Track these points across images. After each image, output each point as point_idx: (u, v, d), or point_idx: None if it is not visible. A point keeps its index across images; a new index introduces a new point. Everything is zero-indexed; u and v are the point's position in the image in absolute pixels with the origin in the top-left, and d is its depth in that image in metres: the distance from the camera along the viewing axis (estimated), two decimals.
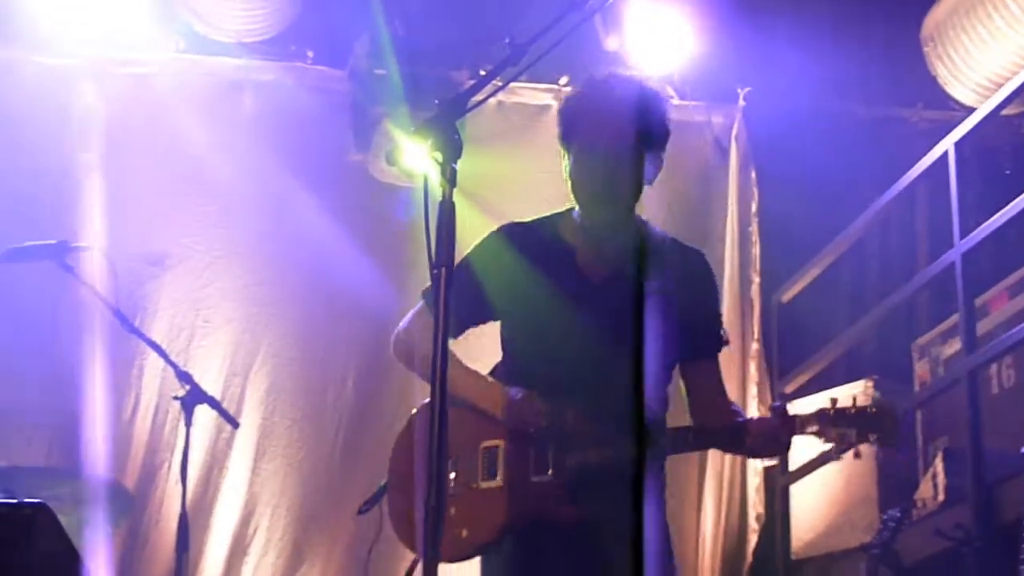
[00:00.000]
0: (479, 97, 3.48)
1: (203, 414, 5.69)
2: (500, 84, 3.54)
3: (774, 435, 3.91)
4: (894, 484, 6.60)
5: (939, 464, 6.15)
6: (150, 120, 7.35)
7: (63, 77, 7.27)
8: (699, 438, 4.13)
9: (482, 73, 7.08)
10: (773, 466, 7.26)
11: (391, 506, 4.12)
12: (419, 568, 3.82)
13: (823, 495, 6.97)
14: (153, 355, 6.14)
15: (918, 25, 7.50)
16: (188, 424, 5.41)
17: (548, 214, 4.22)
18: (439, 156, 3.25)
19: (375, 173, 7.23)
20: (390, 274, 7.25)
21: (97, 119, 7.22)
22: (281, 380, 7.28)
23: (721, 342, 4.22)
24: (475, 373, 4.07)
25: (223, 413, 5.69)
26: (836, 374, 7.07)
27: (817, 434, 3.88)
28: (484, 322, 4.15)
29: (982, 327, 6.21)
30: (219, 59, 7.50)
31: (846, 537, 6.67)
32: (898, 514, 5.71)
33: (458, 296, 3.46)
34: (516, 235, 4.17)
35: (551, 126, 7.56)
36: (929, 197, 6.71)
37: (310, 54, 7.55)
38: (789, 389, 7.20)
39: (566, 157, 4.10)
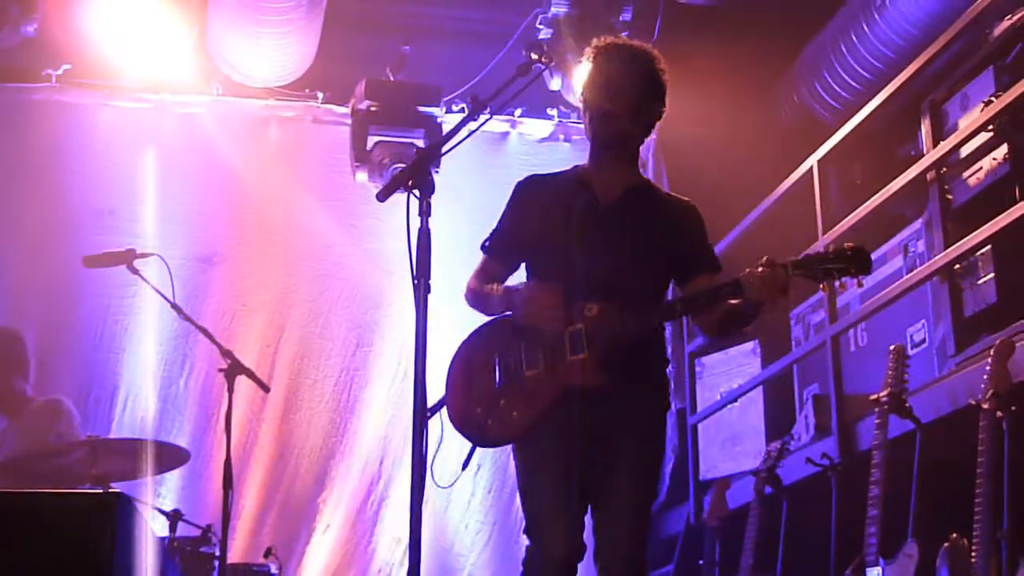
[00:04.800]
0: (449, 145, 3.55)
1: (244, 379, 5.68)
2: (465, 136, 3.57)
3: (772, 279, 3.71)
4: (775, 422, 6.72)
5: (810, 406, 6.24)
6: (197, 149, 7.41)
7: (131, 117, 7.31)
8: (699, 297, 3.93)
9: (447, 121, 7.22)
10: (682, 408, 7.35)
11: (451, 409, 3.98)
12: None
13: (722, 431, 7.08)
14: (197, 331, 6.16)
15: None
16: (230, 390, 5.39)
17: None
18: (417, 192, 3.33)
19: (372, 189, 7.28)
20: (381, 267, 7.37)
21: (156, 149, 7.27)
22: (303, 350, 7.33)
23: (714, 263, 4.07)
24: (499, 288, 3.98)
25: (257, 381, 5.64)
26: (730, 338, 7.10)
27: (806, 274, 3.75)
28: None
29: (841, 300, 6.29)
30: (250, 100, 7.53)
31: (740, 463, 6.78)
32: (778, 445, 5.79)
33: (505, 237, 3.90)
34: (535, 180, 4.15)
35: (512, 148, 7.80)
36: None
37: (320, 95, 7.59)
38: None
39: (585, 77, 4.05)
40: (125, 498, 2.21)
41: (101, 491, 2.06)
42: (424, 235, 3.28)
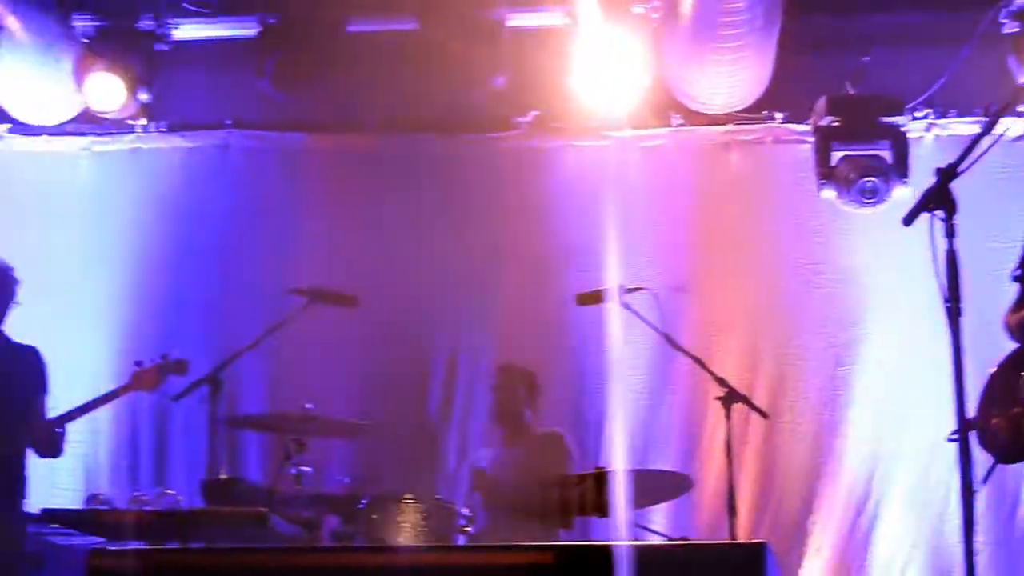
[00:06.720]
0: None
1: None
2: (984, 150, 3.47)
3: None
4: None
5: None
6: (660, 180, 7.61)
7: (595, 156, 7.60)
8: None
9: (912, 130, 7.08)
10: None
11: (978, 423, 4.02)
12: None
13: None
14: (678, 360, 6.28)
15: None
16: (728, 417, 5.55)
17: None
18: (940, 214, 3.29)
19: (840, 205, 7.21)
20: (856, 284, 7.30)
21: (621, 184, 7.42)
22: (781, 371, 7.32)
23: None
24: None
25: (755, 408, 5.78)
26: None
27: None
28: None
29: None
30: (709, 128, 7.63)
31: None
32: None
33: None
34: None
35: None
36: None
37: (778, 116, 7.59)
38: None
39: None
40: (766, 548, 2.31)
41: (744, 542, 2.14)
42: (952, 258, 3.23)
